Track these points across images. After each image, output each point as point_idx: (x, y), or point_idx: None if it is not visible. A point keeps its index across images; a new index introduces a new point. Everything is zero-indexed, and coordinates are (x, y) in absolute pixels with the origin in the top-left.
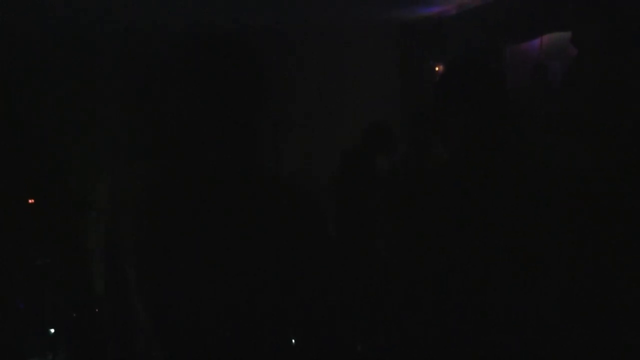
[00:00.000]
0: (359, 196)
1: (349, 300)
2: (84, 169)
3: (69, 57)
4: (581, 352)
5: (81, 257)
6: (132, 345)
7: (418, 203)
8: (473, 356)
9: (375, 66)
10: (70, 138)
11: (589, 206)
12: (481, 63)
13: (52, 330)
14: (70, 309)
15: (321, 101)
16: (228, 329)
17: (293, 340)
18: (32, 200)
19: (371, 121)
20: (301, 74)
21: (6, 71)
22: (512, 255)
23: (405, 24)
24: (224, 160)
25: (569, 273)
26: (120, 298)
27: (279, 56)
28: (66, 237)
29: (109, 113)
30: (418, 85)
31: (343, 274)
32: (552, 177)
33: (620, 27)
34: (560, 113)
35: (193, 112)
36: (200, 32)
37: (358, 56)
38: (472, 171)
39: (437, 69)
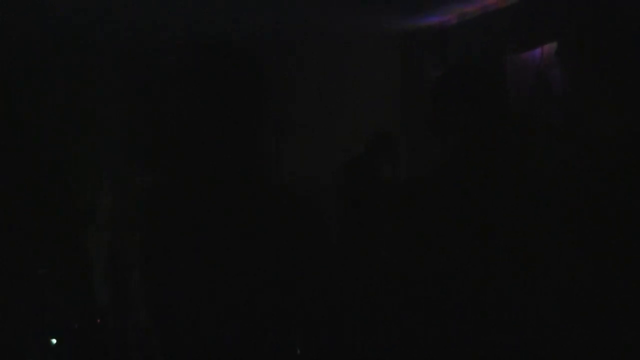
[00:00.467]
0: (362, 204)
1: (350, 303)
2: (86, 173)
3: (70, 59)
4: (581, 352)
5: (83, 266)
6: (134, 354)
7: (418, 204)
8: (474, 356)
9: (376, 74)
10: (72, 142)
11: (589, 207)
12: (481, 66)
13: (54, 341)
14: (72, 319)
15: (323, 108)
16: (230, 331)
17: (298, 351)
18: (33, 208)
19: (371, 128)
20: (303, 82)
21: (6, 72)
22: (513, 255)
23: (407, 33)
24: (226, 164)
25: (570, 274)
26: (122, 305)
27: (281, 63)
28: (68, 246)
29: (111, 117)
30: (419, 94)
31: (344, 277)
32: (552, 179)
33: (607, 38)
34: (561, 121)
35: (194, 116)
36: (202, 36)
37: (360, 64)
38: (472, 173)
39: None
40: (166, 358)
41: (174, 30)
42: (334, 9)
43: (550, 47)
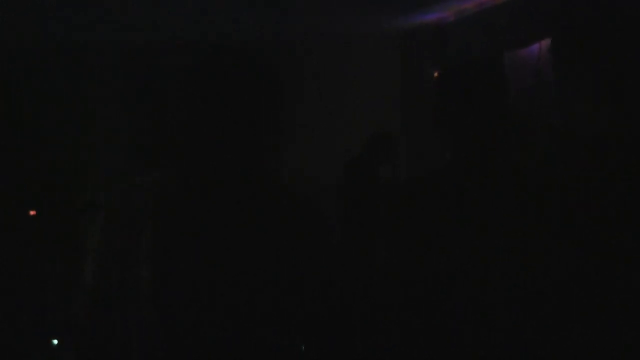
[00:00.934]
0: (362, 204)
1: (350, 303)
2: (89, 173)
3: (71, 62)
4: (581, 352)
5: (85, 265)
6: (134, 353)
7: (418, 204)
8: (473, 356)
9: (375, 72)
10: (72, 142)
11: (588, 207)
12: (481, 64)
13: (55, 342)
14: (73, 319)
15: (322, 106)
16: (233, 330)
17: (302, 347)
18: (34, 212)
19: (374, 131)
20: (302, 80)
21: (6, 72)
22: (513, 256)
23: (405, 30)
24: (227, 164)
25: (569, 273)
26: (122, 305)
27: (281, 61)
28: (70, 245)
29: (111, 116)
30: (418, 91)
31: (345, 276)
32: (552, 178)
33: (601, 35)
34: (559, 119)
35: (195, 116)
36: (202, 37)
37: (358, 62)
38: (473, 172)
39: (436, 74)
40: (170, 355)
41: (175, 30)
42: (333, 8)
43: (548, 43)
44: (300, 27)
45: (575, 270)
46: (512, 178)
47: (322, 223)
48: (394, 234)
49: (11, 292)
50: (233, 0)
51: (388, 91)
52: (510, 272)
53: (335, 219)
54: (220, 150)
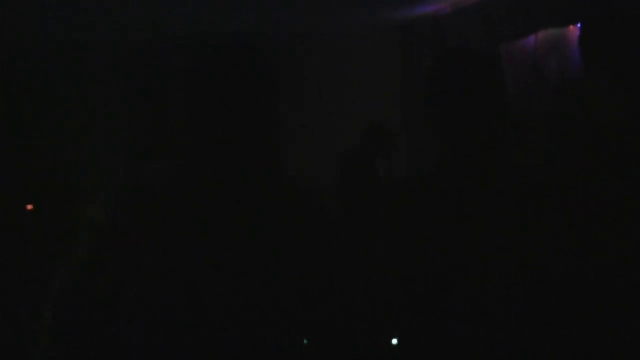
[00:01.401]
0: (358, 196)
1: (351, 300)
2: (88, 170)
3: (71, 60)
4: (580, 352)
5: (82, 263)
6: (135, 353)
7: (415, 202)
8: (473, 355)
9: (373, 65)
10: (75, 140)
11: (587, 205)
12: (476, 54)
13: (55, 342)
14: (70, 318)
15: (320, 101)
16: (234, 328)
17: (305, 341)
18: (31, 207)
19: (369, 122)
20: (300, 75)
21: (6, 72)
22: (511, 255)
23: (401, 23)
24: (226, 162)
25: (569, 272)
26: (121, 304)
27: (279, 57)
28: (68, 243)
29: (114, 115)
30: (417, 84)
31: (345, 273)
32: (550, 176)
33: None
34: (558, 112)
35: (195, 114)
36: (201, 36)
37: (356, 56)
38: (468, 167)
39: (429, 67)
40: (170, 353)
41: (174, 29)
42: (330, 2)
43: (544, 35)
44: (296, 22)
45: (574, 268)
46: (508, 173)
47: (324, 220)
48: (390, 230)
49: (11, 300)
50: None
51: (387, 86)
52: (508, 270)
53: (336, 217)
54: (220, 148)
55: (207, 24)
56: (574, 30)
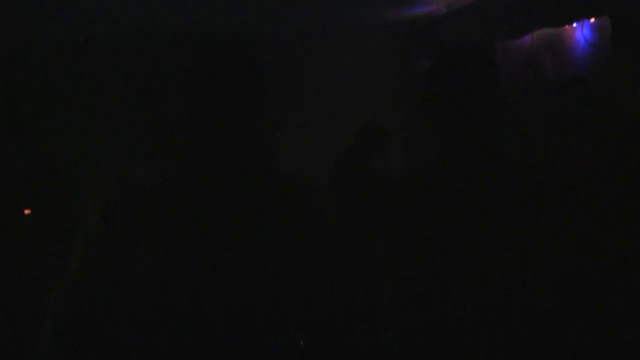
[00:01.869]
0: (354, 195)
1: (348, 299)
2: (86, 170)
3: (71, 60)
4: (580, 352)
5: (82, 264)
6: (134, 352)
7: (414, 201)
8: (473, 354)
9: (371, 65)
10: (74, 140)
11: (587, 204)
12: (473, 53)
13: (54, 342)
14: (69, 317)
15: (317, 100)
16: (230, 328)
17: (301, 342)
18: (29, 211)
19: (364, 120)
20: (297, 74)
21: (6, 72)
22: (509, 253)
23: (397, 23)
24: (224, 161)
25: (568, 272)
26: (120, 304)
27: (276, 56)
28: (66, 243)
29: (111, 115)
30: (412, 84)
31: (343, 272)
32: (549, 174)
33: None
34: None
35: (193, 113)
36: (200, 36)
37: (352, 55)
38: (464, 164)
39: (426, 66)
40: (168, 353)
41: (174, 29)
42: (327, 1)
43: (539, 34)
44: (293, 21)
45: (574, 266)
46: (506, 171)
47: (321, 219)
48: (389, 229)
49: (10, 292)
50: None
51: (385, 86)
52: (507, 268)
53: (334, 216)
54: (218, 147)
55: (206, 23)
56: (569, 29)
